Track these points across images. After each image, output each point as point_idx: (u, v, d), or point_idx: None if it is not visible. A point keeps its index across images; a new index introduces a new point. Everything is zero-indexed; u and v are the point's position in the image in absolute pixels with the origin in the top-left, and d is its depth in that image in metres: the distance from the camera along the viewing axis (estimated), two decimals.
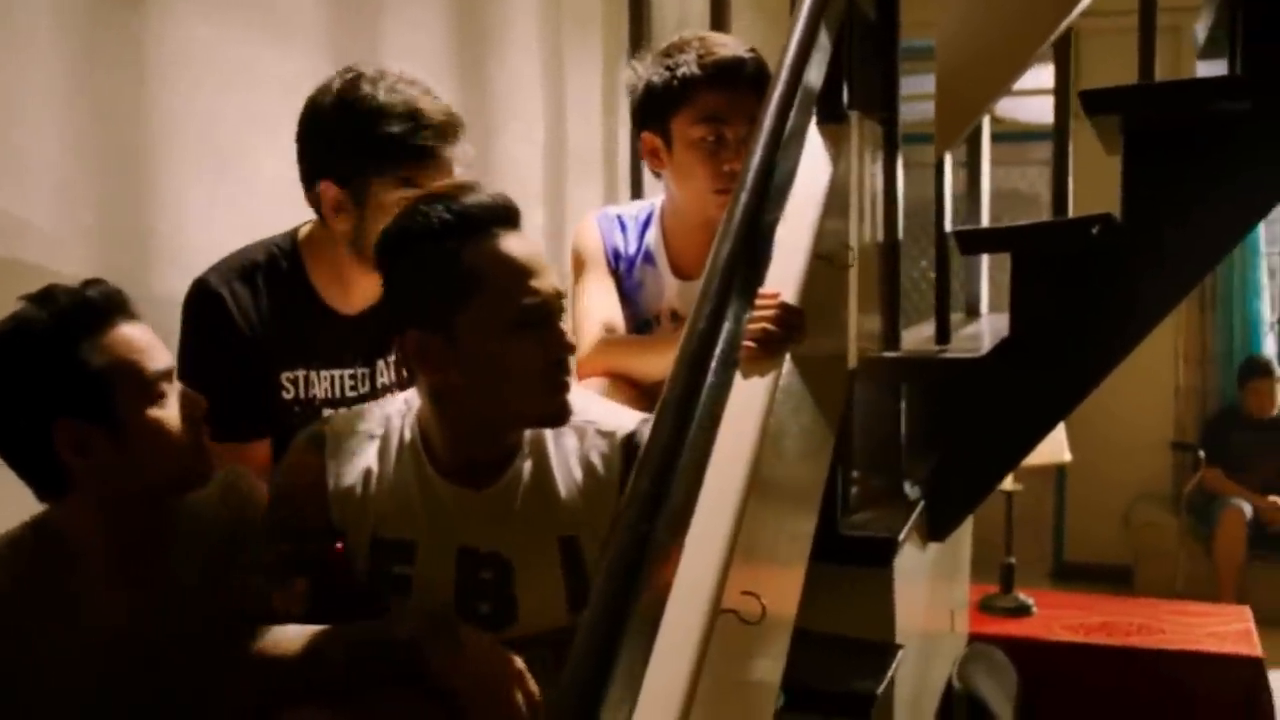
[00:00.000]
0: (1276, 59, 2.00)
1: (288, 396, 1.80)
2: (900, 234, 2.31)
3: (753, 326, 1.50)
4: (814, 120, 1.88)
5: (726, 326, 1.33)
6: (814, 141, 1.83)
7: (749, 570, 1.35)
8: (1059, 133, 2.70)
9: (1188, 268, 2.18)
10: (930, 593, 2.55)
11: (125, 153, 1.95)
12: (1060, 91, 2.69)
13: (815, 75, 1.68)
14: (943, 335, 2.34)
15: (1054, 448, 3.59)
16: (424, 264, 1.39)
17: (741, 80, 1.86)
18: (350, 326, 1.82)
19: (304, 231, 1.81)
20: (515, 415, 1.45)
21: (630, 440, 1.48)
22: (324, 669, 1.38)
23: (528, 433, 1.49)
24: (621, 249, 2.03)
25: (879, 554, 1.88)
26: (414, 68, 1.79)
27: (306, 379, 1.81)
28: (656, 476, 1.17)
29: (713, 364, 1.29)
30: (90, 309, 1.44)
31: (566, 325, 1.44)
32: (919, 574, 2.35)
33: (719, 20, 2.67)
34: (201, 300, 1.79)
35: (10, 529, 1.50)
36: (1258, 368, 5.71)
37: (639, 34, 2.94)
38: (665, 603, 1.25)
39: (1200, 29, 2.52)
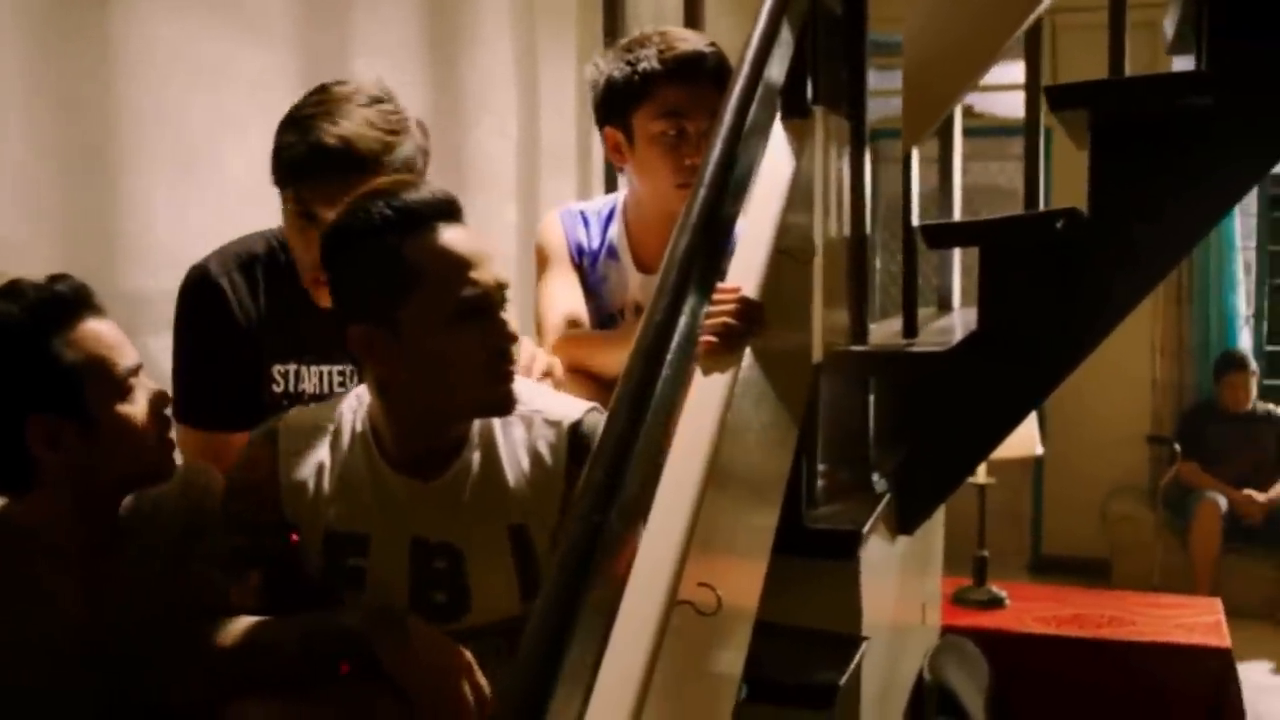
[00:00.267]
0: (1240, 54, 2.01)
1: (278, 390, 1.82)
2: (870, 229, 2.32)
3: (712, 321, 1.51)
4: (778, 116, 1.90)
5: (683, 319, 1.34)
6: (778, 137, 1.84)
7: (706, 562, 1.36)
8: (1030, 127, 2.72)
9: (1155, 262, 2.20)
10: (900, 585, 2.56)
11: (91, 151, 1.95)
12: (1031, 86, 2.70)
13: (777, 71, 1.69)
14: (910, 329, 2.36)
15: (1025, 441, 3.61)
16: (366, 259, 1.41)
17: (702, 75, 1.88)
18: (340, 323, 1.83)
19: None
20: (461, 406, 1.47)
21: (576, 429, 1.50)
22: (277, 659, 1.39)
23: (476, 423, 1.51)
24: (585, 244, 2.04)
25: (843, 546, 1.89)
26: (384, 64, 1.80)
27: (297, 373, 1.82)
28: (610, 468, 1.18)
29: (669, 356, 1.30)
30: (59, 304, 1.45)
31: (510, 316, 1.45)
32: (887, 566, 2.36)
33: (692, 16, 2.68)
34: (201, 288, 1.80)
35: None
36: (1233, 361, 5.75)
37: (613, 29, 2.94)
38: (621, 594, 1.26)
39: (1169, 24, 2.54)
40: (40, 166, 1.85)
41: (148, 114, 2.01)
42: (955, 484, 2.45)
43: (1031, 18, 2.31)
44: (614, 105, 1.95)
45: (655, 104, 1.89)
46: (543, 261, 2.05)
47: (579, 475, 1.27)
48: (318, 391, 1.80)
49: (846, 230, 2.22)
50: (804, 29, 1.87)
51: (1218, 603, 3.60)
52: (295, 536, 1.50)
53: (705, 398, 1.48)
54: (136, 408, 1.47)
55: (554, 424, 1.51)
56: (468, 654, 1.36)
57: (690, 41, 1.92)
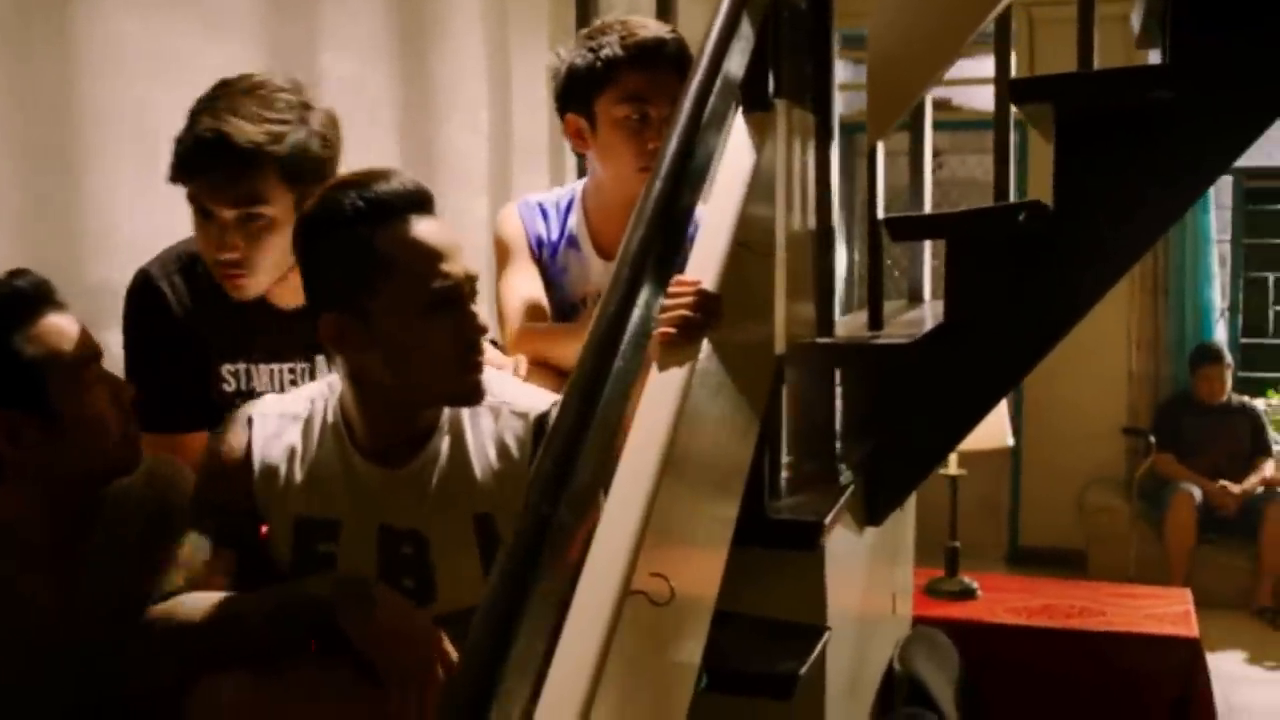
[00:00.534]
0: (1203, 48, 2.02)
1: (229, 389, 1.83)
2: (841, 222, 2.33)
3: (669, 314, 1.52)
4: (740, 109, 1.90)
5: (637, 311, 1.35)
6: (739, 130, 1.85)
7: (661, 552, 1.37)
8: (999, 121, 2.73)
9: (1120, 254, 2.21)
10: (868, 576, 2.58)
11: (53, 146, 1.95)
12: (1000, 80, 2.72)
13: (737, 64, 1.69)
14: (875, 321, 2.37)
15: (996, 433, 3.62)
16: (338, 249, 1.43)
17: (664, 60, 1.91)
18: (290, 321, 1.83)
19: None
20: (430, 395, 1.49)
21: (542, 421, 1.52)
22: (245, 631, 1.40)
23: (445, 413, 1.53)
24: (544, 235, 2.06)
25: (806, 537, 1.90)
26: (352, 58, 1.80)
27: (247, 372, 1.83)
28: (560, 459, 1.18)
29: (622, 348, 1.31)
30: (19, 300, 1.46)
31: (479, 308, 1.47)
32: (854, 557, 2.38)
33: (664, 6, 2.67)
34: (142, 292, 1.81)
35: None
36: (1208, 354, 5.78)
37: (586, 22, 2.93)
38: (575, 584, 1.27)
39: (1135, 18, 2.55)
40: (4, 160, 1.85)
41: (110, 109, 2.01)
42: (923, 475, 2.46)
43: (996, 11, 2.32)
44: (576, 92, 1.97)
45: (618, 89, 1.92)
46: (502, 254, 2.06)
47: None
48: (270, 390, 1.81)
49: (811, 223, 2.23)
50: (765, 22, 1.87)
51: (1187, 593, 3.62)
52: (265, 529, 1.53)
53: (662, 389, 1.49)
54: (99, 401, 1.47)
55: (521, 415, 1.53)
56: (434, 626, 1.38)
57: (651, 29, 1.95)
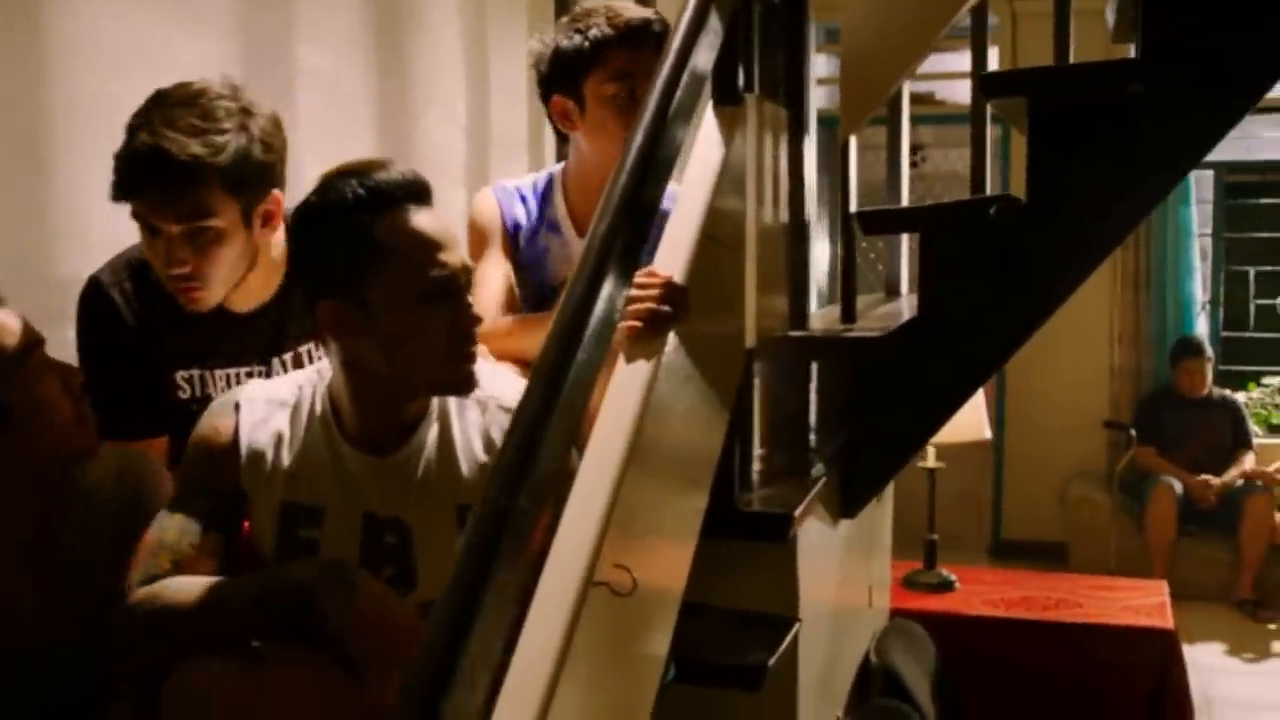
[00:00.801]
0: (1174, 42, 2.03)
1: (184, 396, 1.82)
2: (817, 215, 2.33)
3: (636, 306, 1.53)
4: (710, 103, 1.91)
5: (601, 303, 1.35)
6: (709, 124, 1.86)
7: (625, 543, 1.38)
8: (975, 114, 2.73)
9: (1092, 247, 2.21)
10: (843, 568, 2.58)
11: (23, 138, 1.94)
12: (976, 75, 2.72)
13: (704, 58, 1.70)
14: (848, 314, 2.37)
15: (974, 426, 3.63)
16: (336, 237, 1.45)
17: (650, 40, 1.96)
18: (244, 325, 1.82)
19: None
20: (423, 384, 1.51)
21: None
22: (227, 616, 1.41)
23: (434, 404, 1.55)
24: (522, 220, 2.07)
25: (775, 530, 1.90)
26: (328, 51, 1.80)
27: (202, 378, 1.83)
28: (520, 450, 1.19)
29: (586, 338, 1.31)
30: None
31: (473, 299, 1.50)
32: (828, 550, 2.38)
33: None
34: (93, 299, 1.80)
35: None
36: (1189, 348, 5.80)
37: (565, 12, 2.94)
38: (539, 575, 1.28)
39: (1110, 12, 2.56)
40: None
41: (81, 102, 2.00)
42: (896, 468, 2.47)
43: (969, 4, 2.32)
44: (564, 73, 2.01)
45: (608, 68, 1.97)
46: (478, 239, 2.07)
47: None
48: None
49: (784, 217, 2.23)
50: (735, 16, 1.88)
51: (1164, 585, 3.64)
52: (248, 519, 1.54)
53: (628, 382, 1.50)
54: (49, 390, 1.47)
55: (508, 410, 1.54)
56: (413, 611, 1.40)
57: (635, 10, 2.00)
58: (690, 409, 1.71)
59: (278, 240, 1.78)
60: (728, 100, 1.92)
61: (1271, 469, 5.55)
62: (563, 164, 2.16)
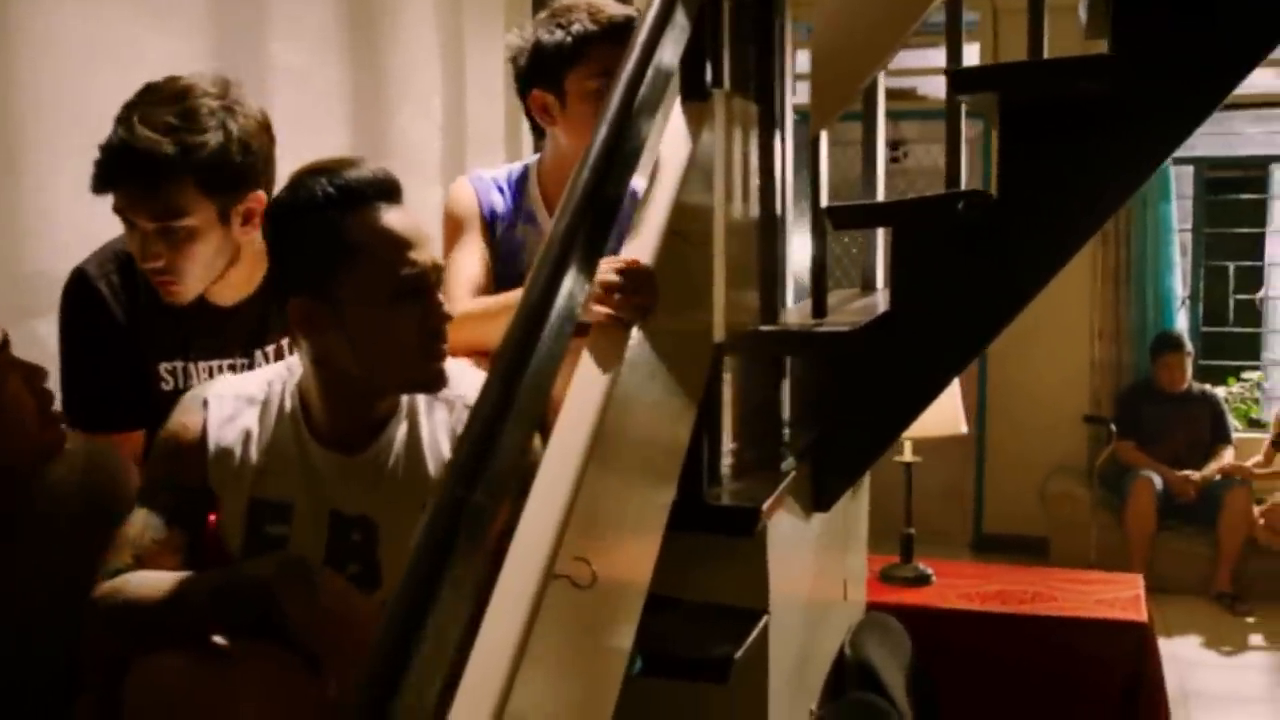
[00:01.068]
0: (1143, 37, 2.04)
1: (166, 388, 1.82)
2: (799, 209, 2.33)
3: (599, 278, 1.53)
4: (679, 98, 1.92)
5: (561, 298, 1.35)
6: (676, 119, 1.86)
7: (586, 536, 1.38)
8: (950, 109, 2.74)
9: (1062, 242, 2.22)
10: (816, 562, 2.59)
11: None
12: (950, 70, 2.72)
13: (670, 54, 1.70)
14: (819, 309, 2.38)
15: (950, 420, 3.64)
16: (307, 234, 1.46)
17: (630, 36, 1.93)
18: (227, 318, 1.83)
19: None
20: (393, 381, 1.52)
21: None
22: (188, 611, 1.41)
23: (403, 402, 1.56)
24: (499, 209, 2.08)
25: (743, 523, 1.91)
26: (302, 47, 1.79)
27: (185, 370, 1.83)
28: (477, 443, 1.19)
29: (546, 331, 1.31)
30: None
31: (444, 297, 1.51)
32: (800, 543, 2.39)
33: None
34: (79, 291, 1.80)
35: None
36: (1169, 342, 5.83)
37: (543, 8, 2.94)
38: (499, 568, 1.29)
39: (1082, 9, 2.57)
40: None
41: (51, 99, 2.00)
42: (868, 463, 2.48)
43: (937, 2, 2.33)
44: (544, 68, 2.02)
45: (590, 64, 1.98)
46: (454, 227, 2.08)
47: None
48: None
49: (754, 212, 2.24)
50: (703, 10, 1.88)
51: (1139, 579, 3.65)
52: (214, 517, 1.55)
53: (592, 375, 1.50)
54: (11, 388, 1.47)
55: None
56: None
57: (616, 8, 2.02)
58: (656, 403, 1.71)
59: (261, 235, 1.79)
60: (695, 95, 1.93)
61: (1250, 464, 5.58)
62: (537, 155, 2.16)
